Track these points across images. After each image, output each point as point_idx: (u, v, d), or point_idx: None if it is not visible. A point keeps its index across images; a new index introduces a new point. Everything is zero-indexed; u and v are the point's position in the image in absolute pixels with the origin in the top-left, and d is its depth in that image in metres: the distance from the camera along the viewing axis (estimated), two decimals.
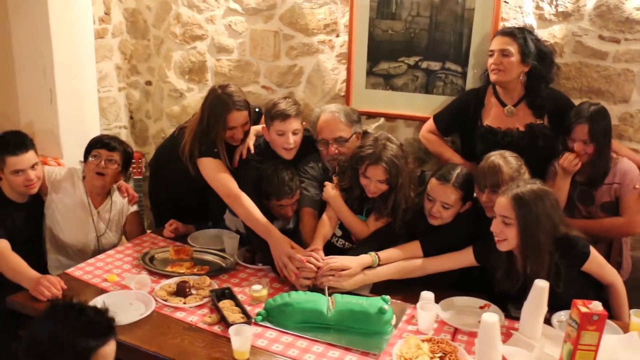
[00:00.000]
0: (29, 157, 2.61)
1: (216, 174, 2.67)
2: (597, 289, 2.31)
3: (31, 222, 2.77)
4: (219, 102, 2.68)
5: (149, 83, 4.00)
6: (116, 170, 2.81)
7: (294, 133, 2.67)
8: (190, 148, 2.72)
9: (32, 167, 2.62)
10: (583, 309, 1.82)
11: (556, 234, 2.14)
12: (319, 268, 2.34)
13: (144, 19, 3.86)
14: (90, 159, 2.78)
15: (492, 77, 2.73)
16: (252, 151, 2.79)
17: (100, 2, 3.66)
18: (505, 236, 2.14)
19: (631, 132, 2.82)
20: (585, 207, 2.63)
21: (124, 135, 3.96)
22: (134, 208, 3.00)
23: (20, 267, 2.36)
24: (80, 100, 3.43)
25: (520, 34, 2.67)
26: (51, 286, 2.23)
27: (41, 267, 2.67)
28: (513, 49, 2.65)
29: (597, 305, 1.83)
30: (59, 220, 2.79)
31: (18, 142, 2.61)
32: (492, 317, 1.80)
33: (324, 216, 2.62)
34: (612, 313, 2.28)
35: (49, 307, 1.62)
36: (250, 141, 2.81)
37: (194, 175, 2.73)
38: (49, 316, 1.58)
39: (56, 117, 3.31)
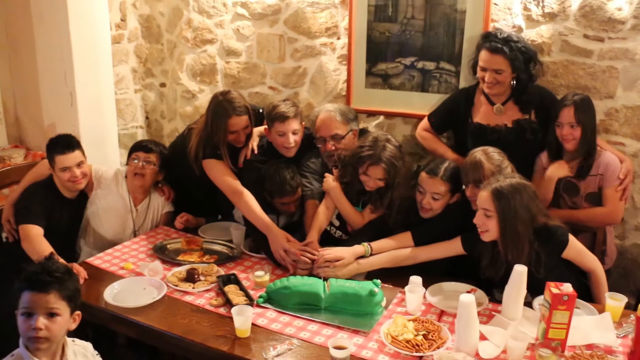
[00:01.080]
0: (75, 155, 2.85)
1: (220, 174, 2.88)
2: (579, 275, 2.45)
3: (75, 217, 3.01)
4: (220, 109, 2.87)
5: (163, 85, 4.19)
6: (154, 170, 3.03)
7: (294, 133, 2.86)
8: (195, 150, 2.93)
9: (78, 165, 2.85)
10: (554, 290, 1.97)
11: (535, 224, 2.28)
12: (314, 259, 2.53)
13: (157, 25, 4.04)
14: (131, 161, 3.01)
15: (487, 91, 2.87)
16: (256, 151, 2.98)
17: (117, 9, 3.83)
18: (487, 228, 2.29)
19: (617, 126, 2.95)
20: (570, 198, 2.76)
21: (140, 135, 4.15)
22: (169, 207, 3.21)
23: (46, 253, 2.59)
24: (98, 102, 3.60)
25: (509, 50, 2.75)
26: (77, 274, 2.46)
27: (73, 258, 2.89)
28: (505, 66, 2.77)
29: (567, 287, 1.98)
30: (100, 215, 3.01)
31: (65, 142, 2.87)
32: (469, 298, 1.96)
33: (321, 207, 2.79)
34: (593, 297, 2.42)
35: None
36: (254, 142, 3.00)
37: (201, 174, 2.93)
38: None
39: (76, 119, 3.49)
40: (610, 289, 2.34)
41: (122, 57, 3.93)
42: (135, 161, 3.00)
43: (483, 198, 2.28)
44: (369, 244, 2.56)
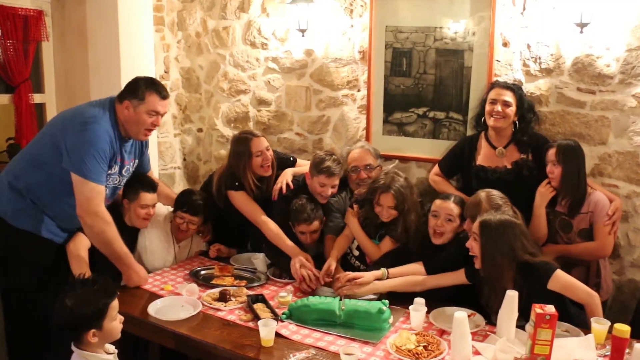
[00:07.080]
0: (154, 197, 3.18)
1: (244, 204, 3.32)
2: (574, 307, 2.62)
3: (131, 243, 3.27)
4: (240, 139, 3.34)
5: (200, 130, 4.57)
6: (195, 229, 3.37)
7: (333, 187, 3.23)
8: (217, 185, 3.34)
9: (153, 205, 3.18)
10: (538, 311, 2.20)
11: (517, 259, 2.51)
12: (336, 278, 2.87)
13: (196, 76, 4.45)
14: (178, 216, 3.32)
15: (492, 123, 3.16)
16: (291, 187, 3.34)
17: (161, 63, 4.26)
18: (475, 252, 2.57)
19: (610, 170, 3.22)
20: (565, 234, 3.02)
21: (178, 175, 4.52)
22: (202, 246, 3.56)
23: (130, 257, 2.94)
24: None
25: (517, 90, 3.15)
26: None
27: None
28: (512, 100, 3.13)
29: (550, 308, 2.21)
30: (147, 247, 3.32)
31: (152, 184, 3.20)
32: (462, 314, 2.25)
33: (341, 236, 3.18)
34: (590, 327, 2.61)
35: (68, 285, 2.05)
36: (289, 179, 3.37)
37: (229, 210, 3.32)
38: (70, 290, 2.01)
39: None
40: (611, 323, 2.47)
41: None
42: (181, 220, 3.30)
43: (475, 224, 2.58)
44: (387, 270, 2.88)
